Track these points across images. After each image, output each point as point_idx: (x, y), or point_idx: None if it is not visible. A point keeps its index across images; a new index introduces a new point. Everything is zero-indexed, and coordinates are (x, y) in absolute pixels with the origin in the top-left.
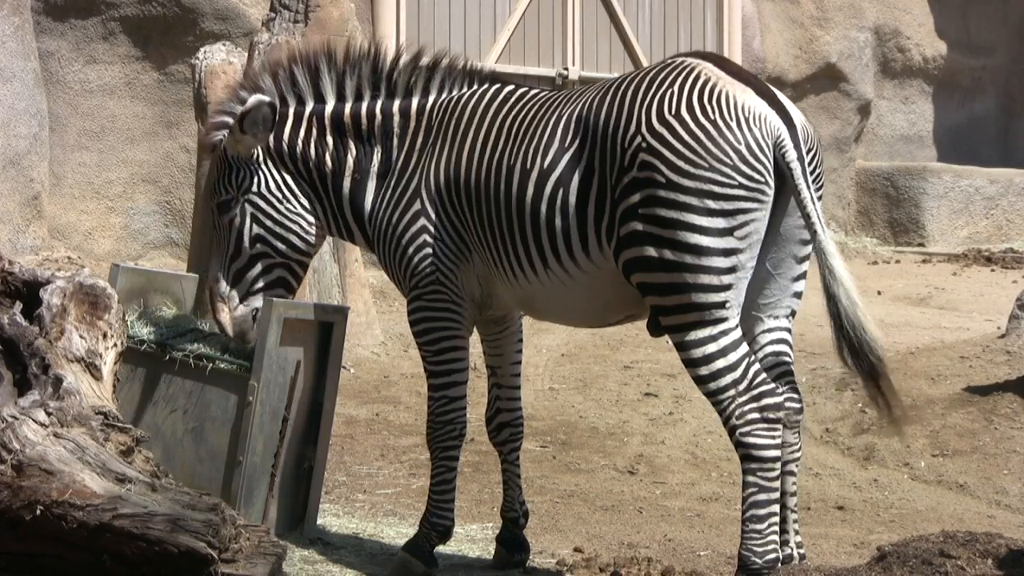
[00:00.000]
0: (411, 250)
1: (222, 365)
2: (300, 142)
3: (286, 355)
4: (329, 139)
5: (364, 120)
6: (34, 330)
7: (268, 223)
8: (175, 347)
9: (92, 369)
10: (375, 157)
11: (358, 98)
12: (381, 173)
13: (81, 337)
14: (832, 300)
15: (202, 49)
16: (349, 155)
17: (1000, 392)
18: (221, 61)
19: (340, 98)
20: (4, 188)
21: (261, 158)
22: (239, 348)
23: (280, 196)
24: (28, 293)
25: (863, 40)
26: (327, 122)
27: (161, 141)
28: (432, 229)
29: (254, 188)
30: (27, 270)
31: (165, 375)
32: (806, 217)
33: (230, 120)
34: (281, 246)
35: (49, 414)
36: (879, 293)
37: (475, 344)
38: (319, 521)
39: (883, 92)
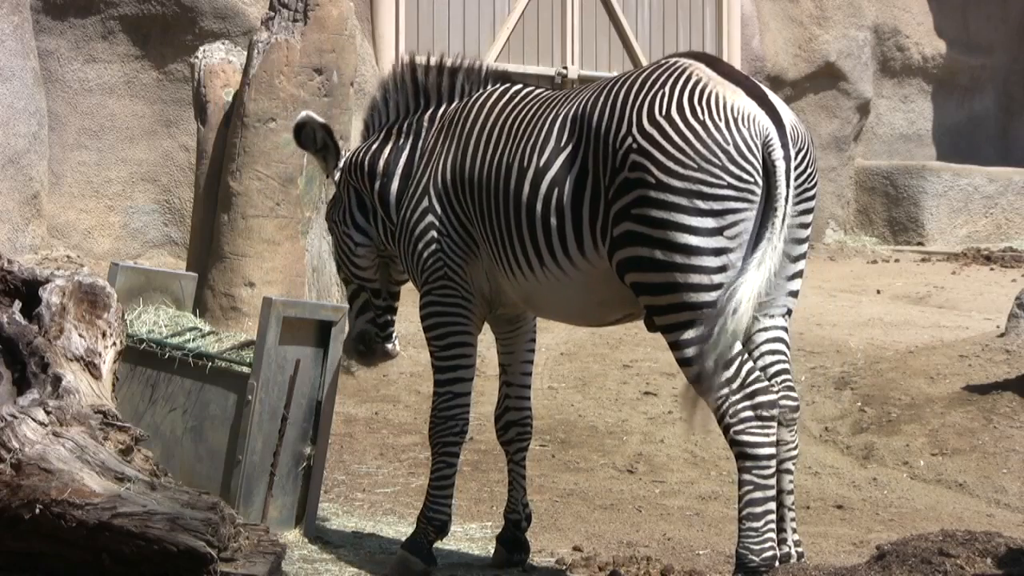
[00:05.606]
0: (420, 246)
1: (221, 364)
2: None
3: (285, 354)
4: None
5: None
6: (33, 329)
7: (337, 250)
8: (174, 346)
9: (91, 368)
10: (403, 156)
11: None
12: (405, 174)
13: (80, 336)
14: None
15: (201, 48)
16: (381, 158)
17: (999, 391)
18: (220, 60)
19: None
20: (3, 187)
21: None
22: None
23: (338, 219)
24: (27, 292)
25: (862, 39)
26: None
27: (160, 140)
28: (440, 225)
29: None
30: (26, 269)
31: (164, 374)
32: (773, 210)
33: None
34: (350, 268)
35: (48, 413)
36: (878, 292)
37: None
38: (318, 520)
39: (882, 91)
